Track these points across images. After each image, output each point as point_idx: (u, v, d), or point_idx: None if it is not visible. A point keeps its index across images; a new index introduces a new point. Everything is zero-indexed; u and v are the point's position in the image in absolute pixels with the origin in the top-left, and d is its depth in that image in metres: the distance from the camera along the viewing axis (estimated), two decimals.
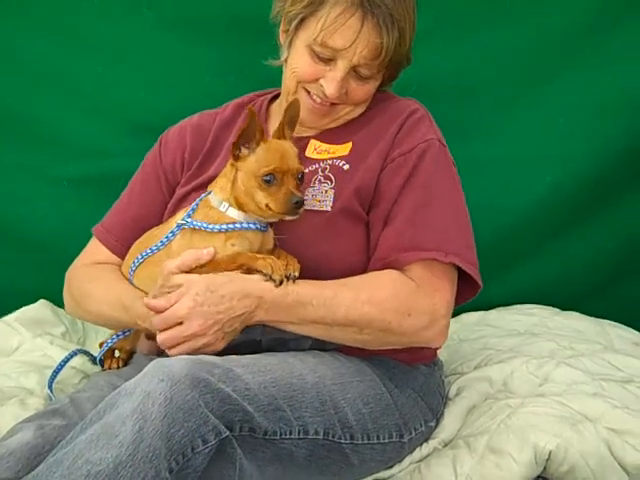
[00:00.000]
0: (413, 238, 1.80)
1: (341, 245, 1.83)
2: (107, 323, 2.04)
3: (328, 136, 1.97)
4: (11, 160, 2.68)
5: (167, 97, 2.63)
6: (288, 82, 1.93)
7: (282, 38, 1.96)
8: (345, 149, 1.92)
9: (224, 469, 1.55)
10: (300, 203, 1.71)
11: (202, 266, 1.74)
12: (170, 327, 1.70)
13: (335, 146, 1.94)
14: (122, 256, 2.05)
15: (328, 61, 1.85)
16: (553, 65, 2.63)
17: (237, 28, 2.57)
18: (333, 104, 1.91)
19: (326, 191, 1.87)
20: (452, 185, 1.89)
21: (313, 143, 1.96)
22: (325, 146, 1.95)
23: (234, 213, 1.79)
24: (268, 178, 1.73)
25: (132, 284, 1.95)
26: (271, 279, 1.70)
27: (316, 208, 1.86)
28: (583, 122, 2.66)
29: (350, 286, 1.78)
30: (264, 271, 1.70)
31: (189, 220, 1.80)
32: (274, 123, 2.02)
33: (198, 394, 1.48)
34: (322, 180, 1.89)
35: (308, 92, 1.91)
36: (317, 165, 1.92)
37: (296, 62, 1.90)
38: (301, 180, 1.76)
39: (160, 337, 1.71)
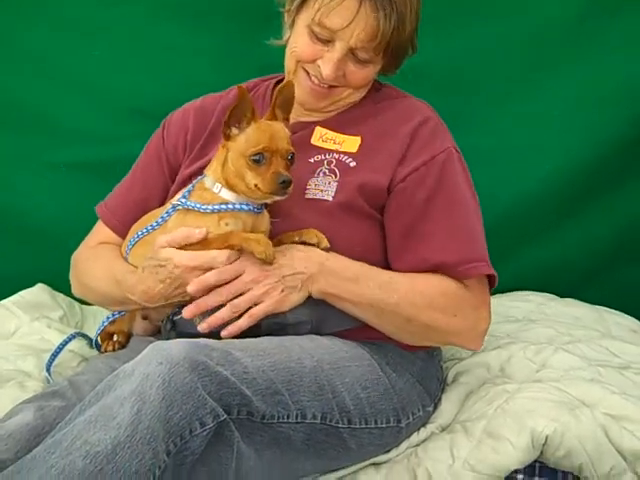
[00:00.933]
0: (469, 253, 1.84)
1: (342, 236, 1.83)
2: (104, 301, 2.05)
3: (334, 123, 1.96)
4: (8, 145, 2.68)
5: (165, 83, 2.62)
6: (288, 62, 1.94)
7: (286, 18, 1.95)
8: (353, 145, 1.92)
9: (222, 452, 1.55)
10: (287, 183, 1.70)
11: (193, 244, 1.75)
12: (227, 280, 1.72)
13: (342, 136, 1.93)
14: (123, 236, 2.05)
15: (326, 42, 1.85)
16: (552, 55, 2.63)
17: (236, 14, 2.56)
18: (332, 86, 1.91)
19: (329, 182, 1.88)
20: (473, 192, 1.93)
21: (319, 130, 1.96)
22: (331, 134, 1.94)
23: (227, 194, 1.79)
24: (257, 158, 1.72)
25: (127, 262, 1.96)
26: (265, 262, 1.70)
27: (317, 197, 1.86)
28: (581, 111, 2.66)
29: (403, 276, 1.82)
30: (256, 254, 1.70)
31: (183, 201, 1.82)
32: None
33: (196, 377, 1.48)
34: (326, 173, 1.89)
35: (307, 73, 1.91)
36: (323, 156, 1.92)
37: (296, 42, 1.90)
38: (291, 161, 1.75)
39: (223, 289, 1.73)
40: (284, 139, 1.75)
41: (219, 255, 1.72)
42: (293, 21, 1.91)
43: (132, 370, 1.49)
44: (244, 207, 1.77)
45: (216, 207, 1.77)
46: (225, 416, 1.52)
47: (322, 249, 1.79)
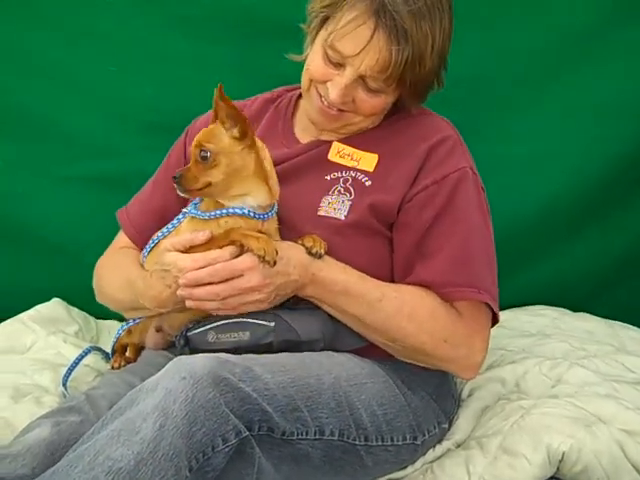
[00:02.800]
0: (460, 276, 1.81)
1: (351, 254, 1.83)
2: (119, 306, 2.06)
3: (352, 139, 1.95)
4: (24, 159, 2.68)
5: (180, 96, 2.62)
6: (303, 79, 1.93)
7: (307, 35, 1.96)
8: (370, 163, 1.90)
9: (243, 469, 1.56)
10: (176, 178, 1.72)
11: (198, 247, 1.76)
12: (225, 280, 1.70)
13: (359, 152, 1.92)
14: (140, 245, 2.07)
15: (338, 66, 1.83)
16: (565, 66, 2.62)
17: (251, 28, 2.57)
18: (341, 110, 1.89)
19: (343, 201, 1.87)
20: (485, 217, 1.90)
21: (336, 146, 1.94)
22: (349, 150, 1.93)
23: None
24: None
25: (143, 268, 1.97)
26: (264, 260, 1.69)
27: (330, 215, 1.86)
28: (594, 124, 2.65)
29: (399, 295, 1.80)
30: (256, 251, 1.69)
31: (189, 209, 1.85)
32: (300, 119, 2.05)
33: (219, 393, 1.49)
34: (342, 191, 1.88)
35: (319, 93, 1.90)
36: (339, 174, 1.91)
37: (311, 59, 1.90)
38: (203, 158, 1.73)
39: (217, 288, 1.70)
40: (201, 137, 1.76)
41: (220, 255, 1.70)
42: (313, 39, 1.90)
43: (155, 385, 1.49)
44: (237, 211, 1.77)
45: (212, 213, 1.78)
46: (247, 433, 1.53)
47: (311, 253, 1.77)
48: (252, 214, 1.78)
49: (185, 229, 1.84)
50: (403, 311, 1.79)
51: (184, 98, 2.58)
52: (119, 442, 1.40)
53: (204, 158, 1.73)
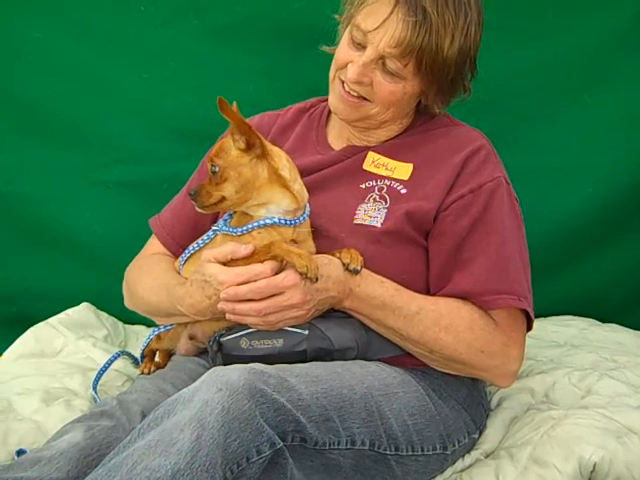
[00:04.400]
0: (498, 283, 1.81)
1: (388, 263, 1.84)
2: (153, 311, 2.06)
3: (387, 149, 1.97)
4: (59, 162, 2.72)
5: (212, 104, 2.60)
6: (331, 69, 1.95)
7: (340, 27, 1.98)
8: (405, 172, 1.92)
9: (276, 479, 1.57)
10: (191, 195, 1.77)
11: (238, 260, 1.77)
12: (267, 296, 1.71)
13: (394, 162, 1.94)
14: (173, 251, 2.10)
15: (360, 47, 1.85)
16: (597, 76, 2.62)
17: (283, 36, 2.59)
18: (360, 98, 1.90)
19: (379, 209, 1.88)
20: (519, 225, 1.92)
21: (371, 155, 1.96)
22: (384, 160, 1.95)
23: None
24: None
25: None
26: (307, 277, 1.70)
27: (366, 223, 1.87)
28: (624, 134, 2.65)
29: (436, 307, 1.81)
30: (298, 269, 1.70)
31: (220, 226, 1.87)
32: (333, 127, 2.07)
33: (255, 404, 1.50)
34: (377, 199, 1.90)
35: (341, 81, 1.91)
36: (374, 183, 1.92)
37: (338, 49, 1.93)
38: (214, 173, 1.76)
39: (259, 305, 1.71)
40: (212, 152, 1.80)
41: (263, 272, 1.71)
42: (345, 28, 1.93)
43: (192, 396, 1.50)
44: (267, 221, 1.79)
45: (245, 228, 1.80)
46: (281, 444, 1.54)
47: (349, 269, 1.78)
48: (283, 221, 1.79)
49: (221, 243, 1.85)
50: (440, 323, 1.79)
51: (216, 106, 2.59)
52: (156, 452, 1.42)
53: (214, 173, 1.77)
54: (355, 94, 1.89)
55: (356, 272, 1.79)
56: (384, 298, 1.80)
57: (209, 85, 2.63)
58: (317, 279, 1.71)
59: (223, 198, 1.76)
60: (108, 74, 2.67)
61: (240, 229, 1.80)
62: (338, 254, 1.81)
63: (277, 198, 1.79)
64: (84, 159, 2.71)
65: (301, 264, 1.70)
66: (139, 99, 2.68)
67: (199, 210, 1.80)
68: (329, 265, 1.77)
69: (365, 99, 1.90)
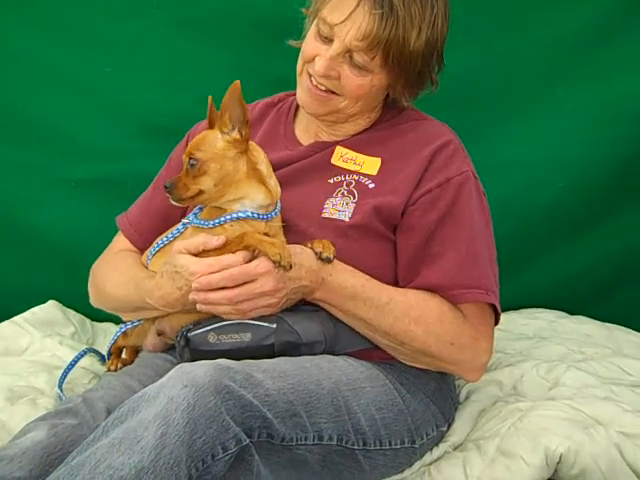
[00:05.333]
0: (466, 278, 1.82)
1: (357, 256, 1.84)
2: (122, 307, 2.04)
3: (355, 143, 1.97)
4: (22, 161, 2.68)
5: (177, 99, 2.62)
6: (298, 64, 1.95)
7: (307, 20, 1.98)
8: (373, 166, 1.92)
9: (242, 476, 1.56)
10: (167, 188, 1.75)
11: (210, 250, 1.76)
12: (239, 285, 1.70)
13: (362, 156, 1.94)
14: (140, 247, 2.08)
15: (327, 41, 1.85)
16: (567, 70, 2.62)
17: (250, 29, 2.57)
18: (328, 92, 1.89)
19: (347, 203, 1.88)
20: (487, 220, 1.93)
21: (339, 150, 1.96)
22: (352, 154, 1.95)
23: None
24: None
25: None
26: (280, 265, 1.69)
27: (334, 217, 1.87)
28: (595, 127, 2.65)
29: (405, 298, 1.81)
30: (272, 256, 1.69)
31: (190, 219, 1.86)
32: (301, 121, 2.07)
33: (220, 401, 1.49)
34: (345, 194, 1.90)
35: (309, 75, 1.91)
36: (342, 177, 1.92)
37: (304, 42, 1.93)
38: (192, 166, 1.75)
39: (231, 292, 1.70)
40: (192, 145, 1.78)
41: (235, 261, 1.70)
42: (312, 22, 1.93)
43: (157, 393, 1.49)
44: (240, 215, 1.78)
45: (217, 221, 1.79)
46: (247, 440, 1.53)
47: (321, 258, 1.78)
48: (255, 215, 1.79)
49: (192, 235, 1.84)
50: (410, 314, 1.79)
51: (185, 101, 2.57)
52: (120, 451, 1.40)
53: (192, 166, 1.75)
54: (323, 88, 1.89)
55: (329, 260, 1.78)
56: (356, 288, 1.80)
57: (175, 80, 2.61)
58: (291, 267, 1.70)
59: (200, 191, 1.75)
60: (72, 69, 2.62)
61: (212, 222, 1.80)
62: (310, 244, 1.80)
63: (253, 193, 1.79)
64: (48, 157, 2.67)
65: (274, 252, 1.69)
66: (103, 95, 2.64)
67: (174, 203, 1.78)
68: (302, 254, 1.77)
69: (333, 93, 1.90)
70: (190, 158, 1.76)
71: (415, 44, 1.83)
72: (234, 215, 1.78)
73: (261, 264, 1.69)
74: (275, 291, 1.71)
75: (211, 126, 1.81)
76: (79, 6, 2.58)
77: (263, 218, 1.80)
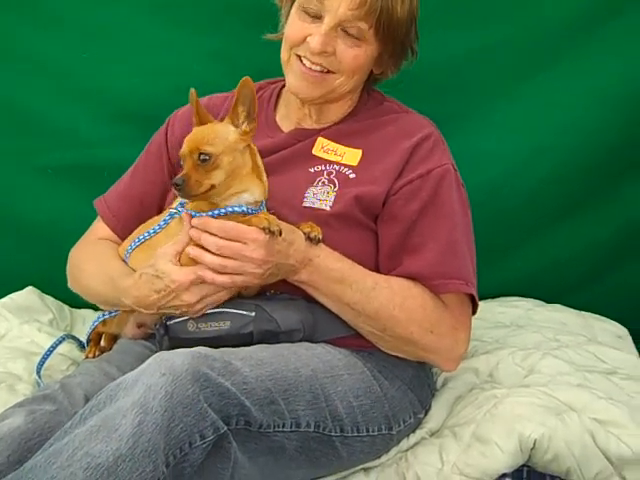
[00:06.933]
0: (448, 268, 1.85)
1: (338, 245, 1.84)
2: (96, 299, 2.04)
3: (336, 134, 1.97)
4: None
5: (155, 85, 2.58)
6: (282, 52, 1.94)
7: (282, 12, 1.98)
8: (354, 158, 1.93)
9: (219, 463, 1.57)
10: (177, 184, 1.70)
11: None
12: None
13: (343, 147, 1.95)
14: (118, 232, 2.07)
15: (316, 19, 1.86)
16: (551, 56, 2.61)
17: (228, 15, 2.54)
18: (323, 72, 1.90)
19: (327, 192, 1.89)
20: (467, 212, 1.95)
21: (321, 141, 1.97)
22: (333, 145, 1.96)
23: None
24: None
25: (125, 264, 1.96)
26: (269, 231, 1.69)
27: (315, 206, 1.88)
28: (578, 113, 2.64)
29: (389, 284, 1.83)
30: (260, 225, 1.70)
31: (180, 209, 1.84)
32: (281, 108, 2.06)
33: (198, 389, 1.49)
34: (325, 183, 1.90)
35: (300, 58, 1.90)
36: (323, 167, 1.93)
37: (288, 28, 1.92)
38: (203, 161, 1.71)
39: (222, 241, 1.71)
40: (198, 140, 1.73)
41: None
42: (288, 12, 1.93)
43: (135, 380, 1.49)
44: (236, 209, 1.78)
45: (209, 213, 1.77)
46: (225, 428, 1.54)
47: (310, 238, 1.78)
48: (248, 210, 1.78)
49: (176, 229, 1.83)
50: (394, 300, 1.81)
51: (159, 87, 2.55)
52: (98, 438, 1.41)
53: (204, 161, 1.71)
54: (318, 68, 1.89)
55: (318, 240, 1.79)
56: (343, 271, 1.81)
57: (153, 66, 2.58)
58: (280, 233, 1.70)
59: (212, 186, 1.73)
60: (47, 54, 2.58)
61: (205, 214, 1.77)
62: (297, 226, 1.81)
63: (253, 188, 1.79)
64: (25, 143, 2.64)
65: (262, 221, 1.70)
66: (79, 80, 2.60)
67: (185, 199, 1.77)
68: (293, 233, 1.77)
69: (328, 72, 1.90)
70: (200, 153, 1.71)
71: (400, 12, 1.86)
72: (229, 209, 1.76)
73: (254, 230, 1.70)
74: (262, 262, 1.72)
75: (201, 121, 1.79)
76: None
77: (253, 212, 1.80)
